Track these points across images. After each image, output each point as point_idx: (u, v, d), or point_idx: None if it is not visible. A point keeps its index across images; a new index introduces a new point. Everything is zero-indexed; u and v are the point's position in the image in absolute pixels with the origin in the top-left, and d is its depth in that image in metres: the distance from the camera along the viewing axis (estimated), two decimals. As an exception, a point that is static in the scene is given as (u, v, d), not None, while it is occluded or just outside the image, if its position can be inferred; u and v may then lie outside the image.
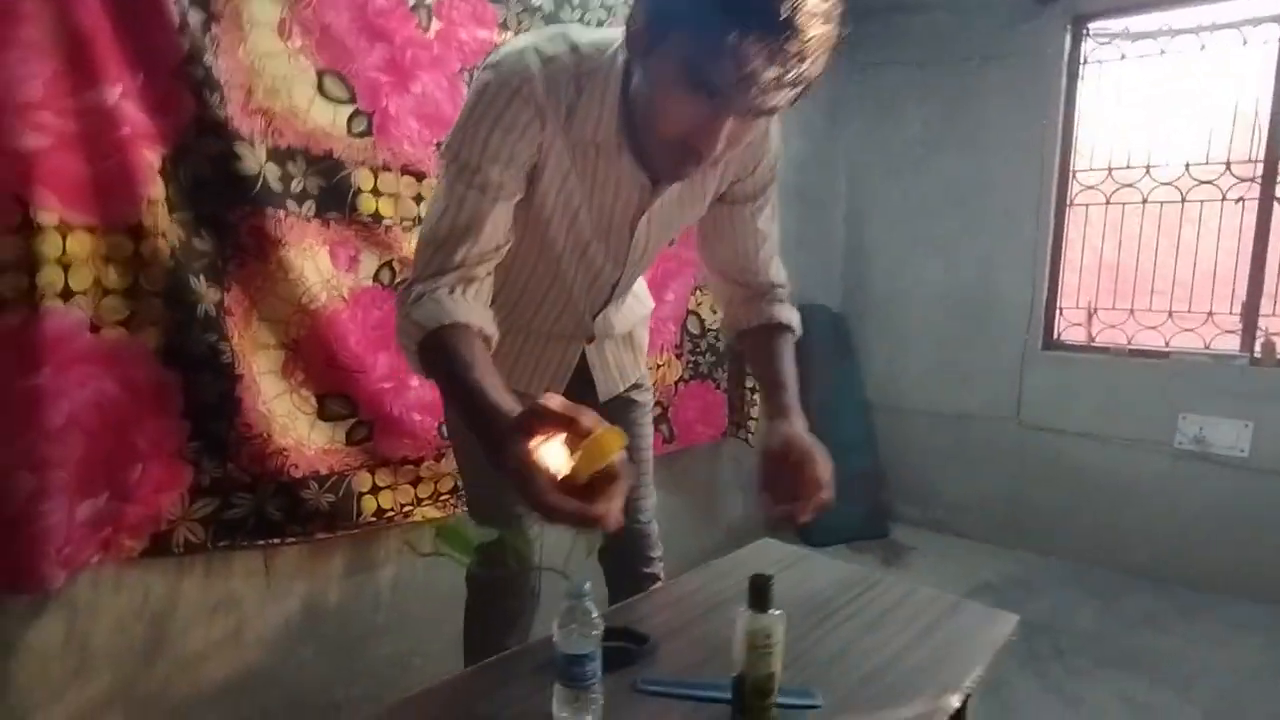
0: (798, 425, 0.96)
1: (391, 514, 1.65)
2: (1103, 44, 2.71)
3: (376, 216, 1.58)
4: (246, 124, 1.35)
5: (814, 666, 0.93)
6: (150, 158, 1.24)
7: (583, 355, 1.15)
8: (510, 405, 0.71)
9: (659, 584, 1.29)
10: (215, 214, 1.34)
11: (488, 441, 0.69)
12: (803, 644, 0.97)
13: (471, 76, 1.76)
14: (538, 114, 0.84)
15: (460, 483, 1.26)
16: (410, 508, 1.69)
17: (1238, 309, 2.54)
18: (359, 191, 1.54)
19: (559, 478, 0.64)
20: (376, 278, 1.60)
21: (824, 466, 0.90)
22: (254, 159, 1.36)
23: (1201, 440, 2.52)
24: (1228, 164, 2.52)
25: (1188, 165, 2.59)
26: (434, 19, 1.63)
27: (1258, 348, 2.49)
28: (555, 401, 0.66)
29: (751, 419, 2.63)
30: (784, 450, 0.92)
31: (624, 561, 1.28)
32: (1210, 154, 2.56)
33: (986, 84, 2.84)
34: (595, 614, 0.80)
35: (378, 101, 1.56)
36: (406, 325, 0.82)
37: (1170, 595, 2.46)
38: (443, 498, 1.76)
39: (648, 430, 1.30)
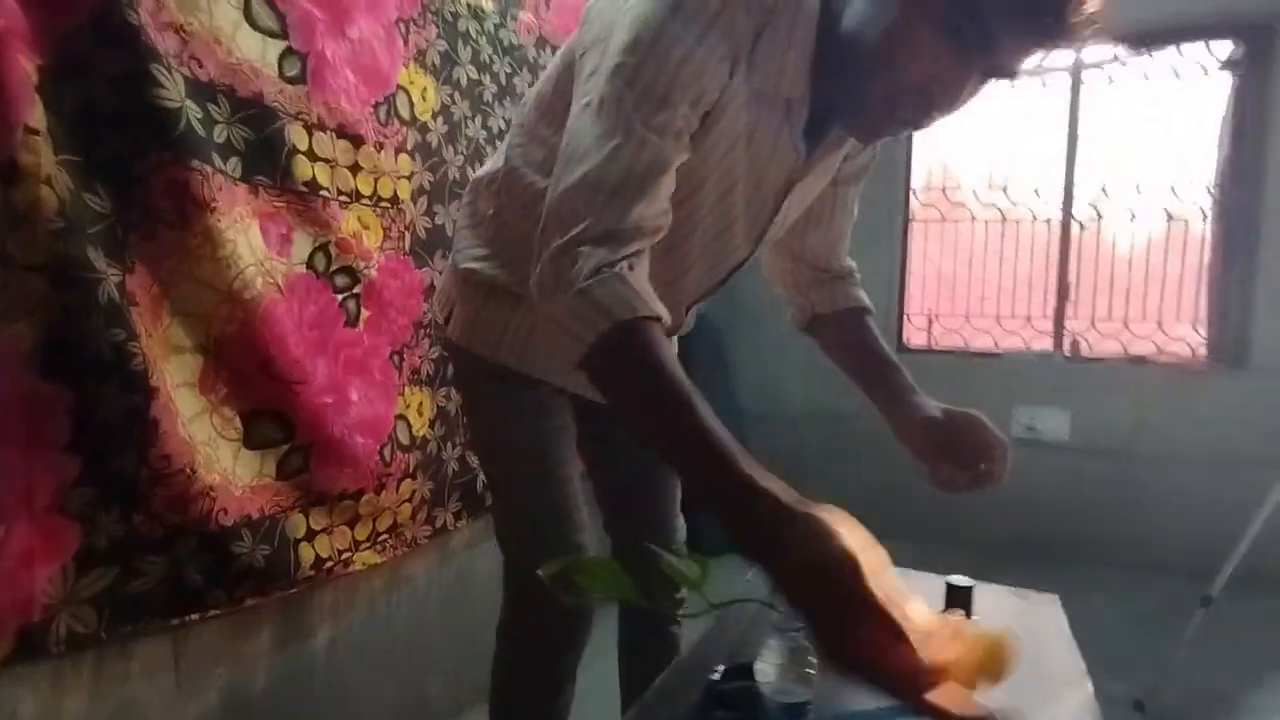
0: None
1: (330, 564, 1.29)
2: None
3: (313, 186, 1.24)
4: (158, 41, 0.98)
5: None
6: (26, 67, 0.84)
7: None
8: (767, 475, 0.59)
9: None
10: (115, 160, 0.95)
11: (748, 525, 0.58)
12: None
13: (408, 29, 1.49)
14: (731, 52, 0.66)
15: (498, 503, 1.00)
16: (349, 554, 1.34)
17: (1049, 313, 2.98)
18: (294, 152, 1.20)
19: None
20: (310, 263, 1.25)
21: (993, 425, 0.87)
22: (175, 88, 0.98)
23: (1033, 428, 2.90)
24: (1034, 190, 2.98)
25: (1005, 189, 3.04)
26: (373, -48, 1.34)
27: (1067, 346, 2.92)
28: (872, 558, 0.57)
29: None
30: (947, 419, 0.89)
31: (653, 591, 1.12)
32: (1023, 181, 3.00)
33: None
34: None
35: (313, 42, 1.23)
36: (583, 308, 0.59)
37: (1026, 567, 2.75)
38: (381, 539, 1.43)
39: None
